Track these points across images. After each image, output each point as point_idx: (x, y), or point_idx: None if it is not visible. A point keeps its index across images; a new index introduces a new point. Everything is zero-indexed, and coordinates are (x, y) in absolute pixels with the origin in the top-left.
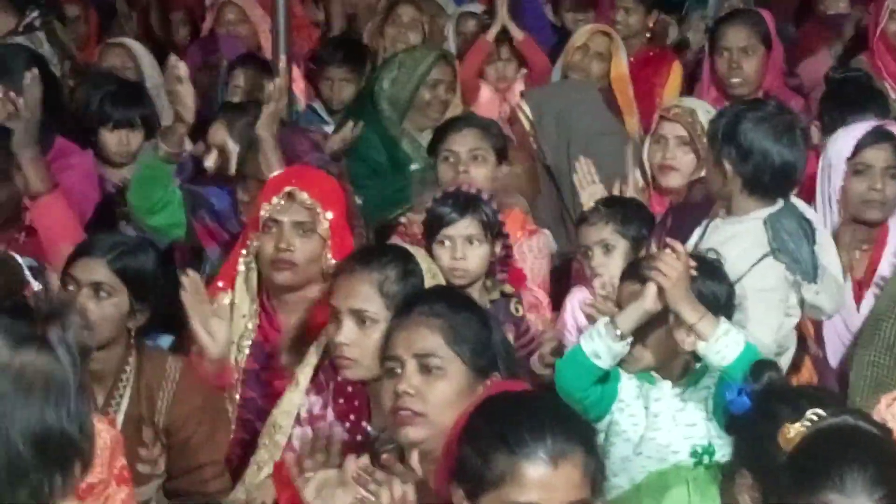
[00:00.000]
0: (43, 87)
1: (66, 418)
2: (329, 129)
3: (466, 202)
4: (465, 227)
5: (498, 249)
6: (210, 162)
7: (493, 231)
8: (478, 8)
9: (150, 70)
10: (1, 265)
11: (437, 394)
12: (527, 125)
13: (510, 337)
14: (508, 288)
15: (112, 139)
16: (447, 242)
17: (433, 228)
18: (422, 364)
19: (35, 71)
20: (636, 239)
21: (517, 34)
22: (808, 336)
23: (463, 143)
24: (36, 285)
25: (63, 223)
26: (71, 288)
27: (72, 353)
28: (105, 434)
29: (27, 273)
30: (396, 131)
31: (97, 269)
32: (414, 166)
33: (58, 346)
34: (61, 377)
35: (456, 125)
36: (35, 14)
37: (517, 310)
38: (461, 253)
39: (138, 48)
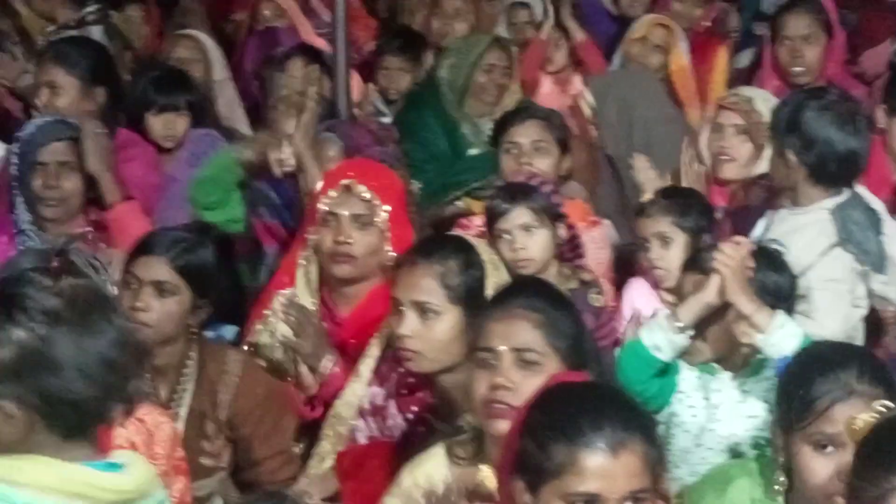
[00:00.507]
0: (104, 78)
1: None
2: (386, 119)
3: (515, 192)
4: (518, 216)
5: (562, 233)
6: (278, 169)
7: (551, 215)
8: None
9: (217, 63)
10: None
11: (534, 389)
12: (588, 112)
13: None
14: (587, 275)
15: (157, 123)
16: (505, 235)
17: (491, 223)
18: (519, 358)
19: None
20: (694, 231)
21: (578, 35)
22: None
23: (526, 134)
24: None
25: (137, 231)
26: (133, 286)
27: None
28: (166, 426)
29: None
30: (456, 116)
31: (158, 268)
32: (473, 151)
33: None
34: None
35: (518, 116)
36: (91, 9)
37: (597, 299)
38: (520, 243)
39: (207, 41)
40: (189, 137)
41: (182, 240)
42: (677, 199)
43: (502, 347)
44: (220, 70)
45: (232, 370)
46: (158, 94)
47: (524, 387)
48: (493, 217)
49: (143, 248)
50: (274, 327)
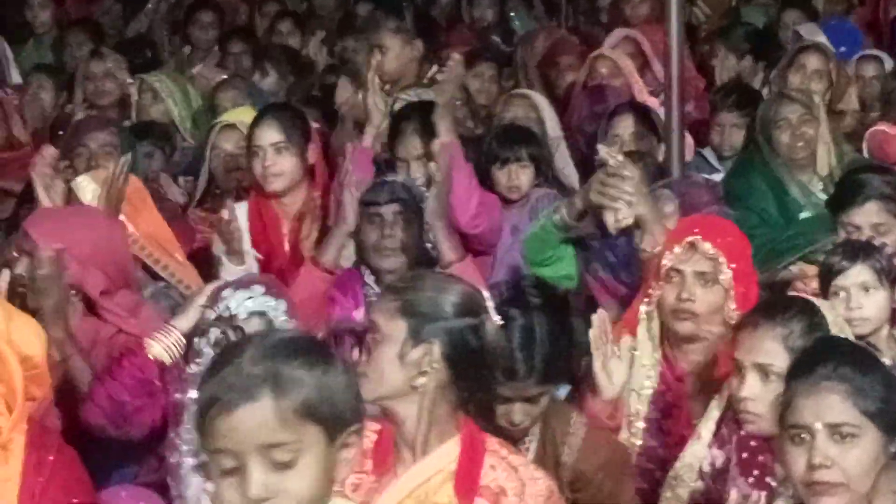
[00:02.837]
0: None
1: None
2: (718, 176)
3: (857, 250)
4: (857, 274)
5: None
6: (613, 225)
7: (890, 277)
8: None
9: (551, 121)
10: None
11: (854, 462)
12: None
13: None
14: None
15: (502, 176)
16: (841, 293)
17: (826, 280)
18: (834, 434)
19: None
20: None
21: None
22: None
23: (865, 217)
24: None
25: None
26: None
27: None
28: (541, 482)
29: None
30: (785, 178)
31: None
32: (804, 214)
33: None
34: None
35: (856, 197)
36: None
37: None
38: (857, 302)
39: (541, 100)
40: (534, 193)
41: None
42: None
43: (817, 425)
44: (553, 127)
45: (576, 432)
46: (502, 148)
47: (844, 462)
48: (830, 274)
49: None
50: None
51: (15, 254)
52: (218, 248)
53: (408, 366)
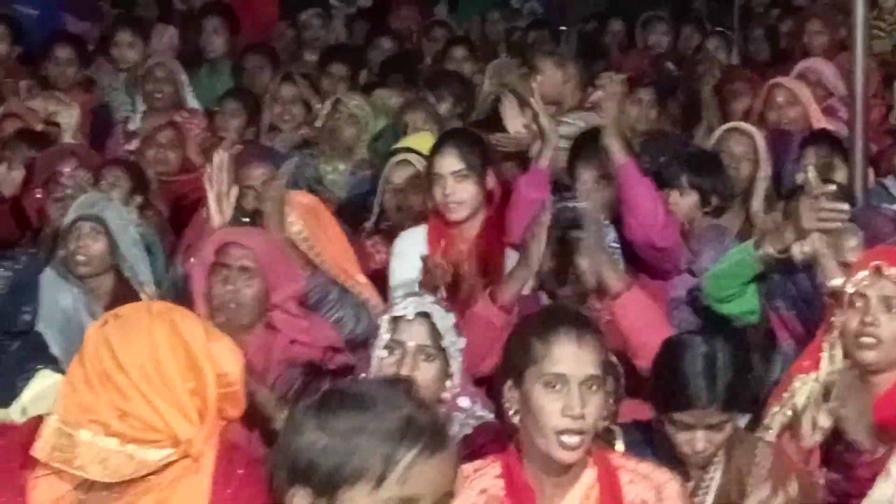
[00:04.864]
0: None
1: None
2: None
3: None
4: None
5: None
6: (799, 258)
7: None
8: None
9: (764, 161)
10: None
11: None
12: None
13: None
14: None
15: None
16: None
17: None
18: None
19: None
20: None
21: None
22: None
23: None
24: None
25: (646, 319)
26: None
27: None
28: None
29: None
30: None
31: None
32: None
33: None
34: None
35: None
36: None
37: None
38: None
39: (760, 139)
40: (701, 222)
41: None
42: None
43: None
44: (766, 168)
45: (762, 462)
46: (668, 170)
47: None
48: None
49: None
50: (789, 409)
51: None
52: (394, 278)
53: None
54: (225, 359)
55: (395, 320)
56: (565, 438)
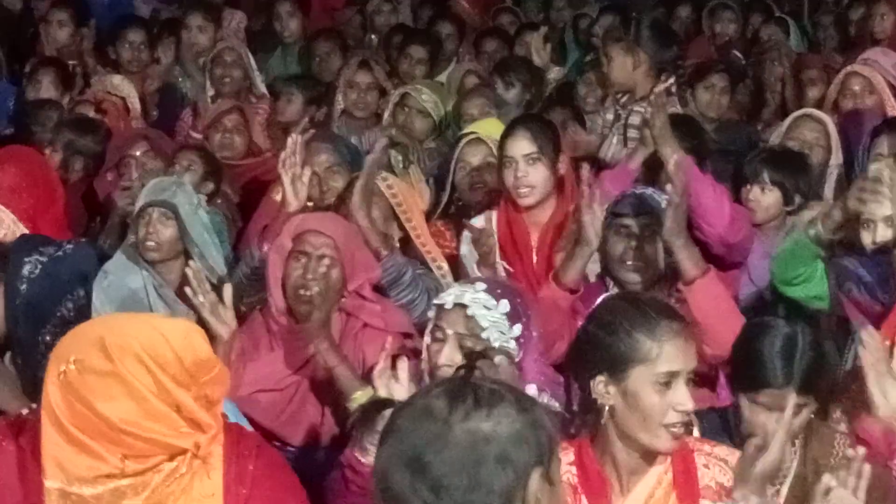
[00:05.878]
0: None
1: None
2: None
3: None
4: None
5: None
6: (869, 245)
7: None
8: None
9: (836, 149)
10: None
11: None
12: None
13: None
14: None
15: (745, 195)
16: None
17: None
18: None
19: None
20: None
21: None
22: None
23: None
24: None
25: (718, 307)
26: None
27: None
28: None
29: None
30: None
31: None
32: None
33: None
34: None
35: None
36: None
37: None
38: None
39: (832, 126)
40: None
41: None
42: None
43: None
44: (837, 156)
45: (838, 451)
46: (750, 166)
47: None
48: None
49: None
50: None
51: (289, 257)
52: (467, 259)
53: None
54: (196, 344)
55: (439, 308)
56: (674, 430)
